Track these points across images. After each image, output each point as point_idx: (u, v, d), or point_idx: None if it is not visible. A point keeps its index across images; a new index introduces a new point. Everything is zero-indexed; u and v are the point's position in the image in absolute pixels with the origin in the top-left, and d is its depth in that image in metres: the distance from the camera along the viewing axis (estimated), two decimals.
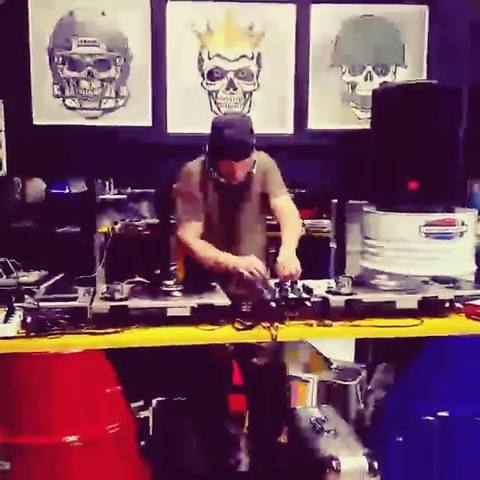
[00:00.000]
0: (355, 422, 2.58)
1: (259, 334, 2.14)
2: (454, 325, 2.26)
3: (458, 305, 2.32)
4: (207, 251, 2.58)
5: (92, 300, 2.19)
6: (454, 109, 3.42)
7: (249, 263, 2.47)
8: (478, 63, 3.80)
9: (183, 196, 2.69)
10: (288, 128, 3.87)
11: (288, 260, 2.45)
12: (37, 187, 4.55)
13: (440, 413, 2.23)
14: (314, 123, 3.90)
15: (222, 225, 2.69)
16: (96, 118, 3.71)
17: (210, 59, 3.78)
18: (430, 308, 2.28)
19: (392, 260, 3.30)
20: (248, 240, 2.71)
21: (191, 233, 2.63)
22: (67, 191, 4.83)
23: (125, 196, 5.04)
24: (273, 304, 2.20)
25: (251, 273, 2.43)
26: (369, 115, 3.73)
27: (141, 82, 3.71)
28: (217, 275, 2.49)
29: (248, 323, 2.16)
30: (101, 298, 2.19)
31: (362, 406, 2.79)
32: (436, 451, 2.25)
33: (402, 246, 3.30)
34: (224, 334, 2.15)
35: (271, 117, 3.83)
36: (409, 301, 2.27)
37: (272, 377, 2.63)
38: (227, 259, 2.52)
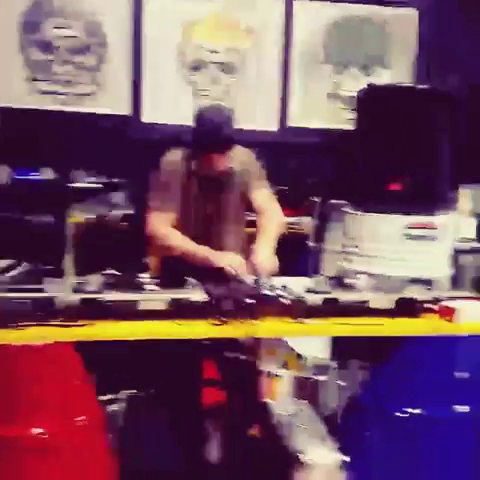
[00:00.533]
0: (327, 418, 2.60)
1: (235, 330, 2.13)
2: (428, 325, 2.30)
3: (432, 306, 2.34)
4: (184, 243, 2.55)
5: (62, 291, 2.14)
6: (439, 113, 3.43)
7: (230, 259, 2.45)
8: (467, 68, 3.82)
9: (159, 186, 2.65)
10: (271, 125, 3.86)
11: (265, 260, 2.44)
12: (3, 172, 4.44)
13: (411, 410, 2.25)
14: (298, 121, 3.89)
15: (201, 218, 2.66)
16: (69, 104, 3.62)
17: (192, 50, 3.73)
18: (405, 308, 2.30)
19: (370, 260, 3.31)
20: (227, 234, 2.69)
21: (165, 223, 2.59)
22: (37, 178, 4.72)
23: (99, 185, 4.96)
24: (250, 300, 2.18)
25: (231, 269, 2.41)
26: (354, 115, 3.73)
27: (118, 70, 3.65)
28: (192, 269, 2.46)
29: (224, 319, 2.14)
30: (72, 289, 2.15)
31: (333, 402, 2.81)
32: (406, 448, 2.27)
33: (381, 247, 3.31)
34: (199, 329, 2.14)
35: (254, 113, 3.81)
36: (385, 301, 2.30)
37: (246, 372, 2.62)
38: (207, 253, 2.50)
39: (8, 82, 3.51)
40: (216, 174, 2.59)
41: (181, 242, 2.55)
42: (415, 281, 2.61)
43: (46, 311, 2.05)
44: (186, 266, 2.51)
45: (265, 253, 2.49)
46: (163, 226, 2.59)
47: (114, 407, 2.56)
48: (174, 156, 2.67)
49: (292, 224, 5.01)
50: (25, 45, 3.52)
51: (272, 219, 2.63)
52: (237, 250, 2.68)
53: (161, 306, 2.16)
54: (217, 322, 2.14)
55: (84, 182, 4.76)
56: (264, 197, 2.67)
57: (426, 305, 2.35)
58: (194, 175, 2.61)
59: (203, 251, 2.51)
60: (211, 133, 2.49)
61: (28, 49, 3.54)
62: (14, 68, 3.52)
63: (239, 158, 2.63)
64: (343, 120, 3.91)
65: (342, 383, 2.57)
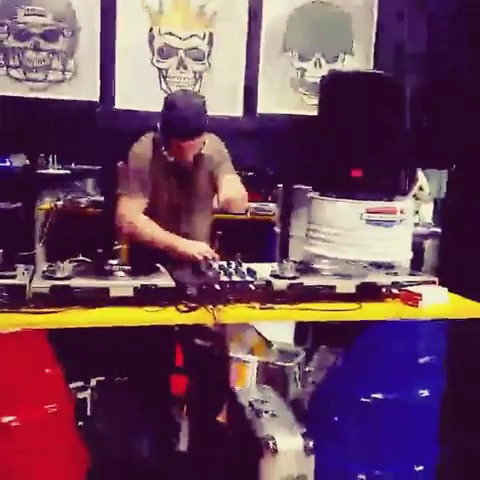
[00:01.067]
0: (293, 403, 2.64)
1: (202, 316, 2.16)
2: (390, 310, 2.34)
3: (395, 291, 2.41)
4: (154, 231, 2.56)
5: (32, 278, 2.14)
6: (399, 99, 3.50)
7: (200, 248, 2.48)
8: (429, 54, 3.88)
9: (129, 172, 2.65)
10: (238, 111, 3.86)
11: (234, 193, 2.50)
12: None
13: (375, 395, 2.31)
14: (263, 107, 3.90)
15: (169, 204, 2.67)
16: (41, 90, 3.59)
17: (161, 36, 3.70)
18: (368, 293, 2.36)
19: (334, 245, 3.36)
20: (195, 221, 2.71)
21: (135, 210, 2.59)
22: (8, 164, 4.68)
23: (69, 172, 4.92)
24: (217, 286, 2.21)
25: (200, 256, 2.44)
26: (316, 102, 3.76)
27: (89, 56, 3.61)
28: (161, 256, 2.48)
29: (192, 305, 2.17)
30: (42, 276, 2.15)
31: (300, 387, 2.86)
32: (370, 432, 2.34)
33: (344, 232, 3.37)
34: (167, 316, 2.16)
35: (221, 99, 3.81)
36: (348, 286, 2.34)
37: (214, 358, 2.66)
38: (176, 242, 2.51)
39: None
40: (186, 160, 2.60)
41: (150, 230, 2.57)
42: (376, 265, 2.67)
43: (17, 298, 2.05)
44: (154, 253, 2.53)
45: (233, 187, 2.54)
46: (133, 213, 2.59)
47: (84, 394, 2.57)
48: (144, 143, 2.67)
49: (258, 210, 5.07)
50: None
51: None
52: (203, 236, 2.71)
53: (130, 293, 2.17)
54: (185, 308, 2.16)
55: (54, 169, 4.72)
56: (230, 181, 2.67)
57: (388, 290, 2.40)
58: (163, 161, 2.62)
59: (171, 240, 2.53)
60: (181, 120, 2.50)
61: (1, 36, 3.47)
62: None
63: (209, 145, 2.64)
64: (307, 106, 3.95)
65: (308, 368, 2.62)
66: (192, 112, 2.52)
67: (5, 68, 3.53)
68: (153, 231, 2.57)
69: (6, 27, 3.49)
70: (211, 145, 2.68)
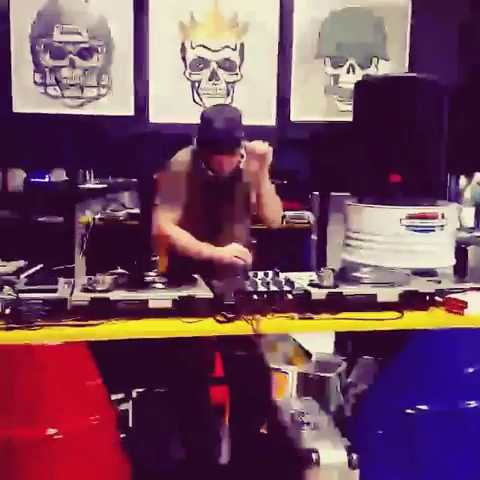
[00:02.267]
0: (335, 415, 2.60)
1: (241, 327, 2.14)
2: (434, 318, 2.28)
3: (438, 298, 2.35)
4: (188, 241, 2.57)
5: (72, 291, 2.16)
6: (437, 102, 3.44)
7: (232, 250, 2.48)
8: (462, 58, 3.82)
9: (167, 185, 2.68)
10: (271, 120, 3.86)
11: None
12: (17, 176, 4.49)
13: (420, 406, 2.25)
14: (297, 115, 3.89)
15: (207, 217, 2.67)
16: (78, 107, 3.66)
17: (193, 49, 3.74)
18: (411, 301, 2.30)
19: (374, 253, 3.31)
20: (232, 234, 2.71)
21: (170, 221, 2.60)
22: (47, 180, 4.78)
23: (106, 186, 5.00)
24: (255, 297, 2.20)
25: (238, 259, 2.44)
26: (351, 107, 3.73)
27: (123, 71, 3.67)
28: (199, 267, 2.48)
29: (230, 316, 2.16)
30: (82, 289, 2.17)
31: (342, 399, 2.81)
32: (416, 444, 2.27)
33: (383, 239, 3.31)
34: (206, 327, 2.15)
35: (254, 108, 3.81)
36: (390, 294, 2.29)
37: (255, 369, 2.64)
38: (210, 251, 2.52)
39: (22, 89, 3.54)
40: (224, 174, 2.59)
41: (185, 241, 2.57)
42: (418, 273, 2.61)
43: (58, 311, 2.07)
44: (193, 263, 2.53)
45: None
46: (169, 225, 2.60)
47: (126, 406, 2.58)
48: (182, 156, 2.68)
49: (294, 218, 5.03)
50: (36, 51, 3.56)
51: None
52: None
53: (168, 304, 2.17)
54: (223, 319, 2.15)
55: (92, 183, 4.80)
56: (268, 190, 2.70)
57: (432, 298, 2.34)
58: (202, 174, 2.63)
59: (204, 248, 2.53)
60: (217, 135, 2.49)
61: (38, 55, 3.56)
62: (27, 74, 3.55)
63: (251, 161, 2.65)
64: (341, 113, 3.92)
65: (350, 379, 2.57)
66: (228, 127, 2.51)
67: (43, 86, 3.61)
68: (186, 241, 2.58)
69: (43, 46, 3.57)
70: (252, 162, 2.67)
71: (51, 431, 2.09)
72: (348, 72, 3.92)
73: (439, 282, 2.48)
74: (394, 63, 3.95)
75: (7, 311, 2.05)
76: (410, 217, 3.31)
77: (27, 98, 3.59)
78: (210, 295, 2.21)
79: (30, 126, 3.53)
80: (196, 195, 2.64)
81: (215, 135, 2.50)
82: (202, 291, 2.24)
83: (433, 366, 2.25)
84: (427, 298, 2.32)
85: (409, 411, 2.24)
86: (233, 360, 2.62)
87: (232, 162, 2.57)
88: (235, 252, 2.47)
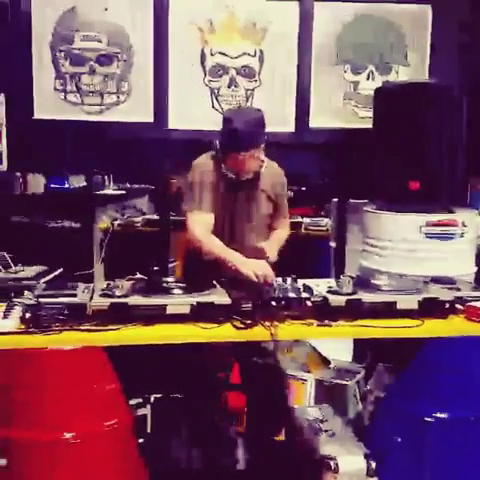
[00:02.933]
0: (353, 422, 2.58)
1: (259, 333, 2.13)
2: (454, 326, 2.25)
3: (458, 306, 2.32)
4: (215, 246, 2.58)
5: (91, 296, 2.18)
6: (456, 109, 3.41)
7: (256, 267, 2.46)
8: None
9: (194, 187, 2.68)
10: (289, 126, 3.86)
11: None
12: (37, 182, 4.53)
13: (439, 414, 2.23)
14: (316, 121, 3.88)
15: (227, 222, 2.70)
16: (97, 113, 3.69)
17: (212, 56, 3.76)
18: (430, 309, 2.27)
19: (392, 260, 3.29)
20: (253, 238, 2.71)
21: (200, 224, 2.63)
22: (66, 186, 4.82)
23: (125, 192, 5.03)
24: (273, 303, 2.19)
25: (257, 277, 2.42)
26: (371, 114, 3.72)
27: (143, 78, 3.70)
28: (218, 272, 2.48)
29: (248, 322, 2.15)
30: (101, 295, 2.18)
31: (360, 406, 2.79)
32: (434, 452, 2.25)
33: (402, 246, 3.29)
34: (223, 332, 2.14)
35: (272, 115, 3.82)
36: (409, 302, 2.27)
37: (272, 376, 2.63)
38: (235, 259, 2.51)
39: (42, 95, 3.59)
40: (245, 174, 2.62)
41: (214, 247, 2.58)
42: (438, 280, 2.59)
43: (77, 316, 2.08)
44: (208, 267, 2.54)
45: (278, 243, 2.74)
46: (200, 229, 2.62)
47: (144, 411, 2.58)
48: (204, 159, 2.72)
49: (312, 224, 5.02)
50: (56, 58, 3.60)
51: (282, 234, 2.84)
52: (261, 252, 2.69)
53: (186, 310, 2.18)
54: (241, 325, 2.15)
55: (110, 189, 4.83)
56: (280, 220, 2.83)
57: (451, 306, 2.31)
58: (224, 179, 2.65)
59: (231, 257, 2.53)
60: (238, 132, 2.53)
61: (59, 62, 3.60)
62: (47, 81, 3.60)
63: (269, 171, 2.71)
64: (360, 119, 3.91)
65: (368, 387, 2.55)
66: (249, 124, 2.56)
67: (63, 93, 3.65)
68: (215, 247, 2.58)
69: (63, 53, 3.62)
70: (271, 170, 2.73)
71: (68, 435, 2.10)
72: (368, 78, 3.91)
73: (459, 290, 2.45)
74: (414, 70, 3.93)
75: (27, 315, 2.07)
76: (430, 224, 3.28)
77: (47, 104, 3.63)
78: (228, 301, 2.21)
79: (50, 132, 3.57)
80: (217, 199, 2.66)
81: (237, 133, 2.53)
82: (220, 297, 2.24)
83: (450, 374, 2.23)
84: (447, 306, 2.29)
85: (427, 419, 2.22)
86: (250, 367, 2.62)
87: (254, 163, 2.59)
88: (258, 270, 2.44)
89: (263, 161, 2.64)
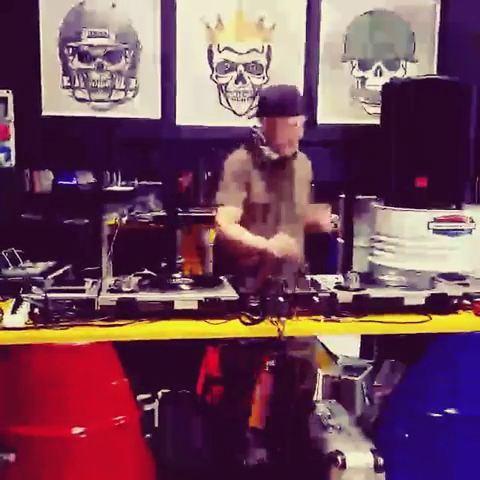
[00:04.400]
0: (360, 418, 2.58)
1: (266, 329, 2.14)
2: (462, 322, 2.26)
3: (466, 302, 2.32)
4: (242, 236, 2.66)
5: (99, 292, 2.19)
6: (464, 105, 3.40)
7: (280, 241, 2.57)
8: None
9: (225, 183, 2.77)
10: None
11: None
12: (45, 178, 4.55)
13: (447, 410, 2.23)
14: (323, 117, 3.87)
15: (267, 210, 2.77)
16: (105, 110, 3.70)
17: (220, 52, 3.75)
18: (438, 305, 2.28)
19: (400, 256, 3.28)
20: (291, 227, 2.78)
21: (228, 218, 2.71)
22: (74, 182, 4.84)
23: (132, 188, 5.04)
24: (281, 299, 2.20)
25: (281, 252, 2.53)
26: (378, 110, 3.71)
27: (150, 74, 3.70)
28: (246, 265, 2.56)
29: (255, 317, 2.16)
30: (108, 290, 2.19)
31: (368, 402, 2.79)
32: (442, 448, 2.25)
33: (410, 242, 3.28)
34: (231, 328, 2.16)
35: None
36: (417, 298, 2.27)
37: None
38: (263, 244, 2.60)
39: (50, 92, 3.60)
40: (288, 150, 2.71)
41: (244, 237, 2.67)
42: (446, 276, 2.58)
43: (85, 311, 2.09)
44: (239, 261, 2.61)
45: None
46: (229, 223, 2.71)
47: (151, 406, 2.59)
48: (238, 153, 2.81)
49: None
50: (64, 54, 3.61)
51: None
52: (299, 239, 2.81)
53: (194, 306, 2.18)
54: (248, 321, 2.16)
55: (118, 186, 4.85)
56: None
57: (459, 301, 2.31)
58: (263, 164, 2.73)
59: (259, 244, 2.62)
60: (285, 96, 2.73)
61: (67, 58, 3.61)
62: (55, 78, 3.61)
63: (302, 161, 2.90)
64: (368, 116, 3.89)
65: (376, 383, 2.55)
66: (293, 91, 2.81)
67: (71, 89, 3.65)
68: (244, 239, 2.66)
69: (71, 49, 3.62)
70: (303, 161, 2.92)
71: (76, 430, 2.11)
72: (375, 74, 3.90)
73: (467, 285, 2.44)
74: (422, 65, 3.91)
75: (35, 311, 2.08)
76: (437, 220, 3.28)
77: (55, 101, 3.63)
78: (235, 297, 2.21)
79: (58, 129, 3.58)
80: (255, 191, 2.74)
81: (281, 97, 2.73)
82: (228, 293, 2.25)
83: (459, 370, 2.22)
84: (454, 302, 2.29)
85: (435, 415, 2.22)
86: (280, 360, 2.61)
87: (296, 130, 2.70)
88: (283, 243, 2.56)
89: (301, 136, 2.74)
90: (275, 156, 2.72)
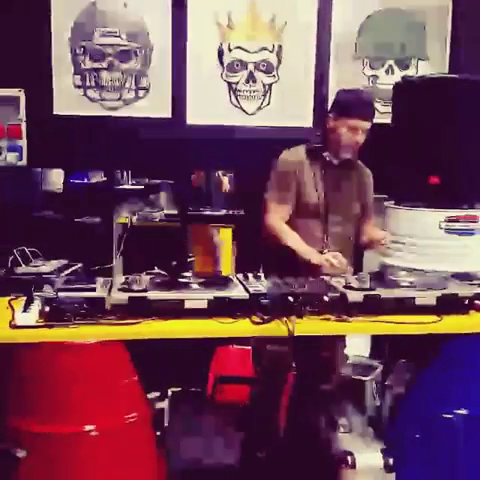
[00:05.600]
0: (371, 418, 2.57)
1: (276, 328, 2.14)
2: (474, 322, 2.24)
3: (478, 302, 2.30)
4: (294, 242, 2.66)
5: (110, 291, 2.20)
6: (476, 103, 3.37)
7: (334, 258, 2.57)
8: None
9: (275, 181, 2.78)
10: (308, 121, 3.84)
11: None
12: (57, 177, 4.58)
13: (459, 411, 2.21)
14: None
15: (319, 211, 2.77)
16: (116, 109, 3.71)
17: (230, 51, 3.75)
18: (449, 305, 2.26)
19: (411, 256, 3.27)
20: (340, 232, 2.81)
21: (277, 216, 2.72)
22: (86, 181, 4.86)
23: (143, 187, 5.05)
24: (291, 298, 2.19)
25: (331, 264, 2.53)
26: (390, 109, 3.69)
27: (161, 73, 3.71)
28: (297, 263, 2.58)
29: (265, 317, 2.16)
30: (120, 289, 2.20)
31: (378, 402, 2.78)
32: (454, 449, 2.24)
33: (422, 242, 3.26)
34: (241, 327, 2.16)
35: (291, 110, 3.80)
36: (428, 298, 2.26)
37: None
38: (307, 255, 2.61)
39: (62, 91, 3.61)
40: (345, 153, 2.74)
41: (291, 242, 2.67)
42: (457, 276, 2.57)
43: (96, 310, 2.10)
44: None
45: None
46: (275, 220, 2.73)
47: (161, 405, 2.60)
48: (295, 151, 2.82)
49: None
50: (75, 54, 3.63)
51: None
52: (348, 245, 2.85)
53: (204, 305, 2.19)
54: (258, 320, 2.15)
55: (128, 184, 4.87)
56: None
57: (471, 302, 2.30)
58: (320, 165, 2.75)
59: (303, 252, 2.62)
60: (360, 98, 2.81)
61: (78, 57, 3.63)
62: (66, 77, 3.63)
63: (362, 169, 2.94)
64: (380, 114, 3.87)
65: (386, 383, 2.54)
66: (364, 95, 2.91)
67: (82, 89, 3.67)
68: (292, 242, 2.66)
69: (82, 49, 3.64)
70: (364, 170, 2.95)
71: (87, 428, 2.12)
72: (387, 73, 3.88)
73: (479, 286, 2.42)
74: (434, 64, 3.89)
75: (46, 309, 2.09)
76: (449, 220, 3.25)
77: (67, 100, 3.65)
78: (246, 296, 2.21)
79: (70, 128, 3.60)
80: (310, 189, 2.75)
81: (362, 99, 2.81)
82: (237, 292, 2.25)
83: (471, 370, 2.21)
84: (466, 302, 2.28)
85: (446, 416, 2.21)
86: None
87: (357, 135, 2.73)
88: (335, 262, 2.56)
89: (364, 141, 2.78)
90: (334, 160, 2.76)
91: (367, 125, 2.76)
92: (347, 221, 2.86)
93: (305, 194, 2.74)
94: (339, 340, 2.76)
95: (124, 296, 2.14)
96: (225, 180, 5.00)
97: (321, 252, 2.66)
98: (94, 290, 2.19)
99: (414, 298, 2.25)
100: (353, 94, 2.84)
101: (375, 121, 3.81)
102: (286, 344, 2.47)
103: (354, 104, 2.75)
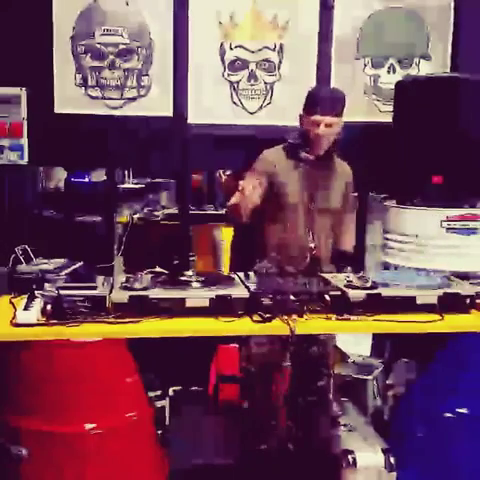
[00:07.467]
0: (372, 417, 2.57)
1: (277, 327, 2.14)
2: (475, 322, 2.24)
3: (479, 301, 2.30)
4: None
5: (111, 289, 2.20)
6: (478, 102, 3.37)
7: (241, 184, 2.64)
8: None
9: (249, 175, 2.81)
10: None
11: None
12: (58, 176, 4.58)
13: (460, 410, 2.21)
14: None
15: (297, 208, 2.84)
16: (118, 108, 3.71)
17: (232, 50, 3.75)
18: (451, 304, 2.26)
19: (413, 255, 3.27)
20: (320, 225, 2.86)
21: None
22: (87, 180, 4.87)
23: (144, 186, 5.06)
24: (292, 297, 2.19)
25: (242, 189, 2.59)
26: (391, 108, 3.69)
27: (163, 72, 3.70)
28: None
29: (266, 315, 2.16)
30: (121, 287, 2.20)
31: (379, 401, 2.78)
32: (455, 448, 2.24)
33: (423, 241, 3.26)
34: (242, 326, 2.16)
35: (293, 109, 3.79)
36: (430, 297, 2.26)
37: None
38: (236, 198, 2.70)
39: (63, 90, 3.61)
40: (320, 148, 2.80)
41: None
42: (459, 275, 2.56)
43: (97, 308, 2.10)
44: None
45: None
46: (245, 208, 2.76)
47: (162, 403, 2.60)
48: (274, 150, 2.91)
49: None
50: (77, 52, 3.62)
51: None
52: (326, 235, 2.92)
53: (205, 303, 2.19)
54: (259, 319, 2.15)
55: (130, 183, 4.87)
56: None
57: (472, 301, 2.29)
58: (296, 166, 2.80)
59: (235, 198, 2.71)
60: (325, 95, 2.92)
61: (80, 56, 3.63)
62: (68, 75, 3.62)
63: (343, 170, 3.04)
64: (381, 113, 3.87)
65: (387, 382, 2.54)
66: (334, 92, 3.00)
67: (83, 87, 3.67)
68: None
69: (84, 47, 3.64)
70: (346, 171, 3.05)
71: (88, 426, 2.13)
72: (388, 72, 3.88)
73: (477, 284, 2.42)
74: (436, 63, 3.88)
75: (48, 307, 2.09)
76: (451, 219, 3.25)
77: (68, 99, 3.65)
78: (246, 294, 2.21)
79: (71, 127, 3.60)
80: (288, 187, 2.82)
81: (321, 95, 2.91)
82: (239, 290, 2.25)
83: (472, 370, 2.21)
84: (467, 301, 2.28)
85: (448, 415, 2.21)
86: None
87: (333, 129, 2.80)
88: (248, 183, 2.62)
89: (336, 138, 2.85)
90: (308, 157, 2.79)
91: (331, 120, 2.81)
92: (327, 214, 2.93)
93: (285, 191, 2.82)
94: (329, 335, 2.76)
95: (125, 295, 2.14)
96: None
97: (306, 245, 2.70)
98: (95, 289, 2.19)
99: (415, 297, 2.25)
100: (316, 90, 3.01)
101: (376, 120, 3.85)
102: (273, 343, 2.50)
103: (315, 100, 2.85)
